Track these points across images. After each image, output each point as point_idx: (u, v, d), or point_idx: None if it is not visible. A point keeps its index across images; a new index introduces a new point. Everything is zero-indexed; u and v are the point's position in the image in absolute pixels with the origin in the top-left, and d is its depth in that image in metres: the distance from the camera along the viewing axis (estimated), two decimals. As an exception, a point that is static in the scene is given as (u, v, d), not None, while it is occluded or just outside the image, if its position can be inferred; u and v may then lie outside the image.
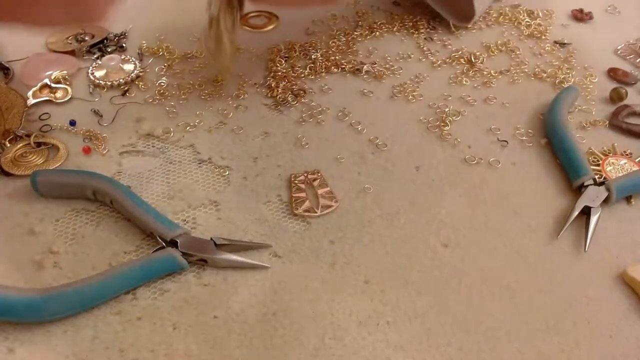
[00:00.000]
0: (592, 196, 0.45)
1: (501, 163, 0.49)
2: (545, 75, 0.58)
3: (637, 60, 0.61)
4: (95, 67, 0.55)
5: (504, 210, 0.45)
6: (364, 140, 0.50)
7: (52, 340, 0.36)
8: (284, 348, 0.36)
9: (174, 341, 0.36)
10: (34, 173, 0.43)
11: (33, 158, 0.47)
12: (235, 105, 0.53)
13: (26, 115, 0.50)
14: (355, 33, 0.62)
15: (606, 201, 0.45)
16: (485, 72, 0.58)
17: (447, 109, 0.53)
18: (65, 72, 0.54)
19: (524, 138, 0.51)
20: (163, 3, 0.66)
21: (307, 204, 0.44)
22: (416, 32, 0.63)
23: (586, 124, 0.53)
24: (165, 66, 0.57)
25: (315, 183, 0.46)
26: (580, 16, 0.67)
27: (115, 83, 0.54)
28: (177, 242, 0.40)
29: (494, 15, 0.67)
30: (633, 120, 0.54)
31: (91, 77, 0.54)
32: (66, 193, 0.43)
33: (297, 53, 0.59)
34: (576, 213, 0.44)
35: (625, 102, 0.55)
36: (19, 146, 0.47)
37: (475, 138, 0.51)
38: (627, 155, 0.50)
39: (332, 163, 0.48)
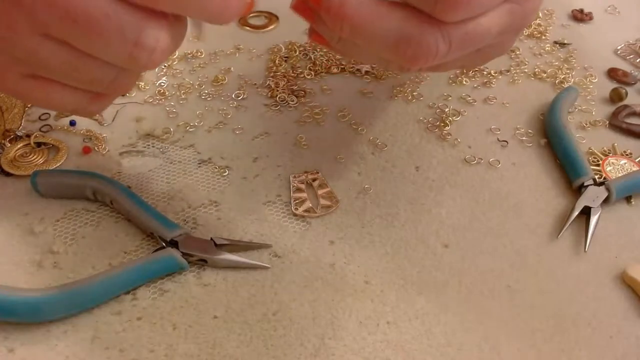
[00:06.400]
0: (592, 196, 0.45)
1: (501, 163, 0.49)
2: (545, 75, 0.58)
3: (637, 60, 0.60)
4: (95, 67, 0.55)
5: (504, 211, 0.45)
6: (364, 140, 0.50)
7: (52, 340, 0.36)
8: (284, 348, 0.36)
9: (174, 341, 0.36)
10: (34, 173, 0.43)
11: (33, 158, 0.47)
12: (235, 105, 0.53)
13: (26, 115, 0.50)
14: (355, 33, 0.62)
15: (606, 201, 0.45)
16: (485, 72, 0.58)
17: (447, 109, 0.53)
18: (65, 72, 0.54)
19: (524, 138, 0.51)
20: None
21: (307, 204, 0.44)
22: (416, 32, 0.63)
23: (586, 124, 0.53)
24: (165, 66, 0.57)
25: (315, 183, 0.46)
26: (580, 16, 0.67)
27: (115, 83, 0.54)
28: (177, 242, 0.40)
29: (494, 15, 0.67)
30: (633, 120, 0.53)
31: (91, 77, 0.54)
32: (66, 193, 0.43)
33: (297, 53, 0.59)
34: (576, 213, 0.44)
35: (625, 102, 0.55)
36: (19, 146, 0.47)
37: (475, 138, 0.51)
38: (627, 155, 0.50)
39: (332, 163, 0.48)
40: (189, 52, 0.58)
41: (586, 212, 0.44)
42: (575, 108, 0.55)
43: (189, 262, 0.39)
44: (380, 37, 0.31)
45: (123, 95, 0.53)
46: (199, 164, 0.47)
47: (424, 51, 0.31)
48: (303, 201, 0.44)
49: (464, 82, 0.57)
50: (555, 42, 0.63)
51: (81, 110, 0.34)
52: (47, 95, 0.32)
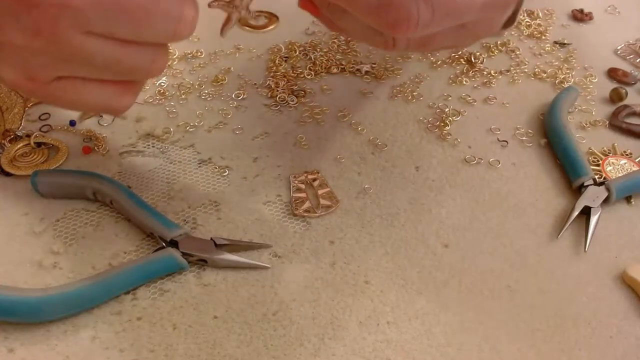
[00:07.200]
0: (592, 196, 0.45)
1: (501, 163, 0.49)
2: (545, 75, 0.58)
3: (637, 60, 0.60)
4: (95, 67, 0.55)
5: (504, 211, 0.45)
6: (364, 140, 0.50)
7: (52, 340, 0.36)
8: (284, 348, 0.36)
9: (174, 341, 0.36)
10: (34, 173, 0.43)
11: (33, 158, 0.47)
12: (235, 105, 0.53)
13: (26, 115, 0.50)
14: (355, 33, 0.62)
15: (606, 201, 0.45)
16: (485, 72, 0.58)
17: (447, 109, 0.53)
18: (65, 72, 0.54)
19: (524, 138, 0.51)
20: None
21: (307, 204, 0.44)
22: (416, 32, 0.63)
23: (586, 124, 0.53)
24: (165, 66, 0.57)
25: (315, 183, 0.46)
26: (580, 16, 0.67)
27: (115, 83, 0.54)
28: (177, 242, 0.40)
29: (494, 15, 0.67)
30: (633, 120, 0.53)
31: (91, 77, 0.54)
32: (66, 193, 0.43)
33: (297, 53, 0.59)
34: (576, 213, 0.44)
35: (625, 102, 0.55)
36: (19, 146, 0.47)
37: (475, 138, 0.51)
38: (627, 155, 0.50)
39: (332, 163, 0.48)
40: (189, 52, 0.58)
41: (586, 212, 0.44)
42: (575, 108, 0.55)
43: (189, 262, 0.39)
44: None
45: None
46: (199, 164, 0.47)
47: (405, 16, 0.31)
48: (303, 201, 0.44)
49: (464, 82, 0.57)
50: (555, 42, 0.63)
51: (113, 106, 0.34)
52: (80, 95, 0.32)
